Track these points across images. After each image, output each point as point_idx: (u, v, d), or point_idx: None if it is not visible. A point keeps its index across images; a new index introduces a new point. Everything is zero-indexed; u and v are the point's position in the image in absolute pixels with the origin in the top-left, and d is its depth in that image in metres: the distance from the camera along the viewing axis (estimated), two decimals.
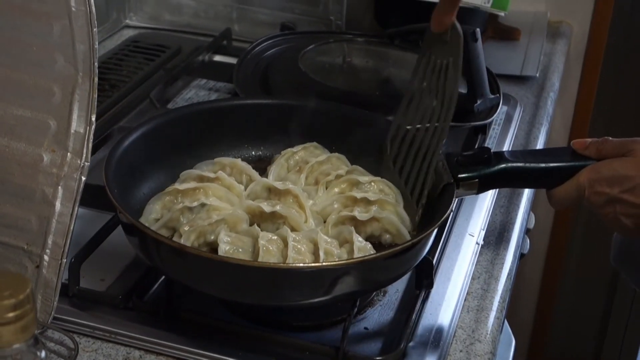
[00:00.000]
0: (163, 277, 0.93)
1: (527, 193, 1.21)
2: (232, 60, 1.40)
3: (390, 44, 1.39)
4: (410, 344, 0.88)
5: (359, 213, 0.92)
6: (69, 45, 0.81)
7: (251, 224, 0.91)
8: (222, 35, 1.53)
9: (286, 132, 1.07)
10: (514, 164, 0.99)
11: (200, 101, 1.34)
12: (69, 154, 0.83)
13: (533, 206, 1.30)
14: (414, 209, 0.95)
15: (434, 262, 0.97)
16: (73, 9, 0.80)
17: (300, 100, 1.10)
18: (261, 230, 0.88)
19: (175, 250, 0.82)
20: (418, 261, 0.89)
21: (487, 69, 1.28)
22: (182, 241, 0.86)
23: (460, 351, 0.89)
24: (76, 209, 0.84)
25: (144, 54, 1.51)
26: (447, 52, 1.00)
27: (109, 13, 1.59)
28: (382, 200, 0.95)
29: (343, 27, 1.52)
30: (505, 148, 1.29)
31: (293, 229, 0.89)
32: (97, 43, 0.81)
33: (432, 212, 0.91)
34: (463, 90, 1.24)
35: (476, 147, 1.21)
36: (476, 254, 1.05)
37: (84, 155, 0.83)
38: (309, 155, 1.03)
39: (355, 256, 0.85)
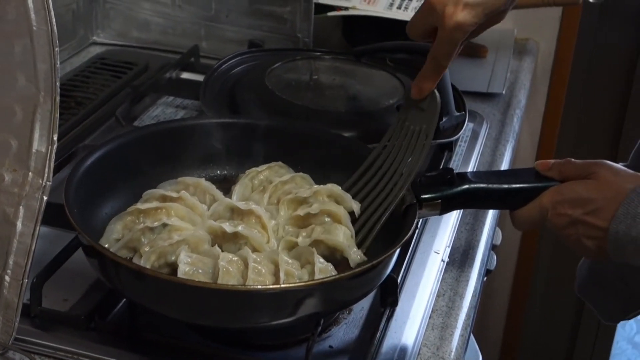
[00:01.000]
0: None
1: (492, 210, 1.21)
2: (200, 78, 1.39)
3: (358, 62, 1.39)
4: None
5: (302, 239, 0.93)
6: (30, 65, 0.81)
7: (213, 245, 0.90)
8: (189, 52, 1.52)
9: (252, 151, 1.06)
10: (477, 185, 0.99)
11: (165, 120, 1.34)
12: (30, 173, 0.83)
13: (500, 222, 1.31)
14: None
15: (399, 280, 0.97)
16: (34, 28, 0.80)
17: (266, 118, 1.09)
18: (223, 251, 0.88)
19: (133, 272, 0.81)
20: (381, 281, 0.89)
21: (453, 86, 1.28)
22: (142, 262, 0.85)
23: None
24: (38, 228, 0.83)
25: (110, 71, 1.50)
26: (422, 120, 1.02)
27: (75, 30, 1.57)
28: (325, 210, 0.95)
29: (311, 45, 1.52)
30: (471, 165, 1.30)
31: (255, 250, 0.89)
32: (58, 62, 0.81)
33: (395, 231, 0.91)
34: None
35: (442, 164, 1.22)
36: (441, 271, 1.05)
37: (46, 175, 0.83)
38: (273, 175, 1.03)
39: (316, 277, 0.85)
